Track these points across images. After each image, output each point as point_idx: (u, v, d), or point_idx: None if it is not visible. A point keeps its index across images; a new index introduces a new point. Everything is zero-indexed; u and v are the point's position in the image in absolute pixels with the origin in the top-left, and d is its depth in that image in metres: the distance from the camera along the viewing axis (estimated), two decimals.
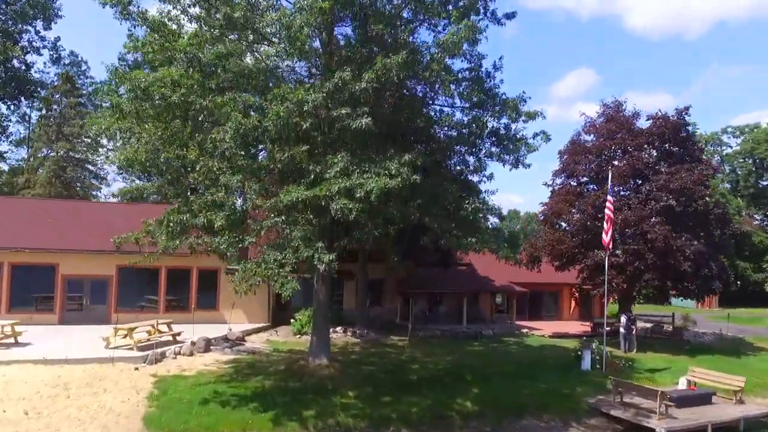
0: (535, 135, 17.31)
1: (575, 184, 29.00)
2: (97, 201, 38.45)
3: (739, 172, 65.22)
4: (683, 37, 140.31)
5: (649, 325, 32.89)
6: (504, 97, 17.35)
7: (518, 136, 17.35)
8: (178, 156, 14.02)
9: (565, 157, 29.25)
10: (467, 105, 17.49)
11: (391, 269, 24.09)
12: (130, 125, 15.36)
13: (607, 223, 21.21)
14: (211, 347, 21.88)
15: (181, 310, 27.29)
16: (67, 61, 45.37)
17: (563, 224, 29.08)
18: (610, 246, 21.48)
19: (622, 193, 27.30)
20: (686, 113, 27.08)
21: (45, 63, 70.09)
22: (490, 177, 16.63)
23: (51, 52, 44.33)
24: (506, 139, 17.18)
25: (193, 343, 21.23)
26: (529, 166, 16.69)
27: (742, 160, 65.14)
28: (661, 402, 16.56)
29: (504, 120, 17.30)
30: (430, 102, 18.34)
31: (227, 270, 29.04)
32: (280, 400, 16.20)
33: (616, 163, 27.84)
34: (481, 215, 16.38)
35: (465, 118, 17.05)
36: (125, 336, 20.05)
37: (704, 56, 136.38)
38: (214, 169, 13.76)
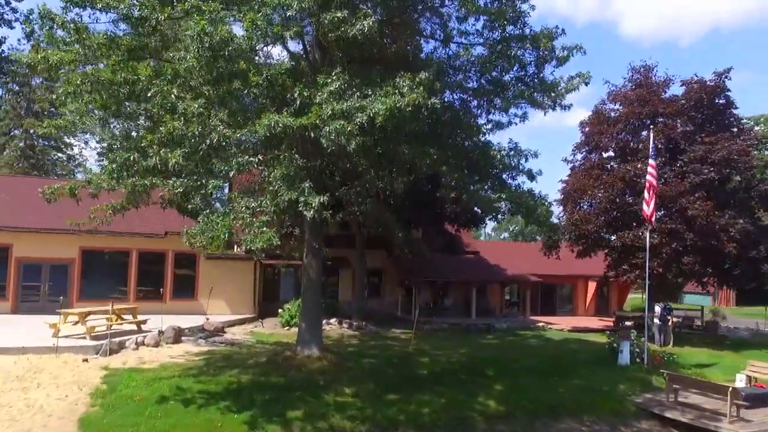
0: (571, 78, 14.12)
1: (599, 158, 25.81)
2: (63, 177, 35.02)
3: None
4: (678, 43, 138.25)
5: (676, 319, 29.71)
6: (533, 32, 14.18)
7: (551, 80, 14.10)
8: (126, 80, 10.77)
9: (587, 128, 26.09)
10: (488, 40, 14.30)
11: (396, 246, 20.88)
12: (74, 57, 12.16)
13: (648, 191, 17.99)
14: (183, 338, 18.61)
15: (155, 300, 23.99)
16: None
17: (584, 206, 25.82)
18: (653, 219, 18.26)
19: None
20: (726, 77, 23.94)
21: (19, 40, 66.57)
22: (524, 117, 13.31)
23: (23, 26, 40.99)
24: (536, 78, 13.96)
25: (160, 333, 17.96)
26: (568, 107, 13.47)
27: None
28: (732, 401, 13.37)
29: (531, 56, 14.02)
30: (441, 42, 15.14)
31: (207, 255, 25.94)
32: (259, 398, 12.97)
33: (645, 133, 24.78)
34: (509, 171, 13.17)
35: (486, 52, 13.82)
36: (77, 323, 16.79)
37: (701, 61, 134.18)
38: (172, 96, 10.55)
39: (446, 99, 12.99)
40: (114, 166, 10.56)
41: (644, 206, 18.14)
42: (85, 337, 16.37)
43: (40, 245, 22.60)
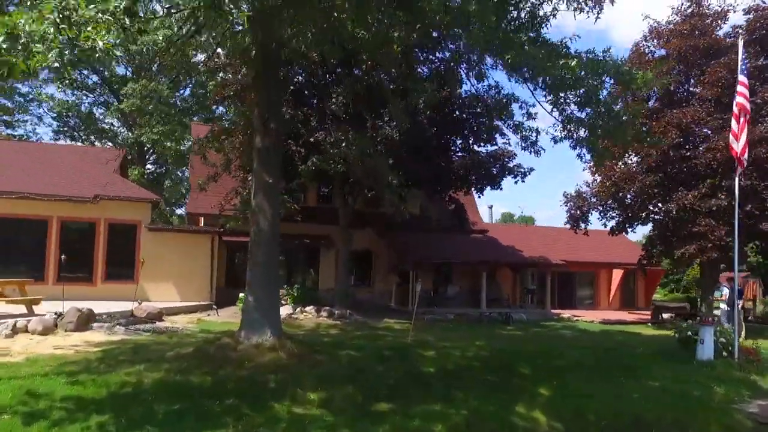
0: None
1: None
2: None
3: None
4: None
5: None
6: None
7: None
8: None
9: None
10: None
11: (386, 201, 15.85)
12: None
13: (738, 119, 12.97)
14: (95, 324, 13.41)
15: (83, 282, 18.90)
16: None
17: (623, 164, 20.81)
18: (745, 157, 13.26)
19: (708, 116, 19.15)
20: None
21: None
22: None
23: None
24: None
25: (58, 316, 12.78)
26: None
27: None
28: None
29: None
30: None
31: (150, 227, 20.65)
32: (163, 408, 7.79)
33: (693, 81, 19.97)
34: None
35: None
36: None
37: None
38: None
39: None
40: None
41: (732, 141, 13.11)
42: None
43: None
